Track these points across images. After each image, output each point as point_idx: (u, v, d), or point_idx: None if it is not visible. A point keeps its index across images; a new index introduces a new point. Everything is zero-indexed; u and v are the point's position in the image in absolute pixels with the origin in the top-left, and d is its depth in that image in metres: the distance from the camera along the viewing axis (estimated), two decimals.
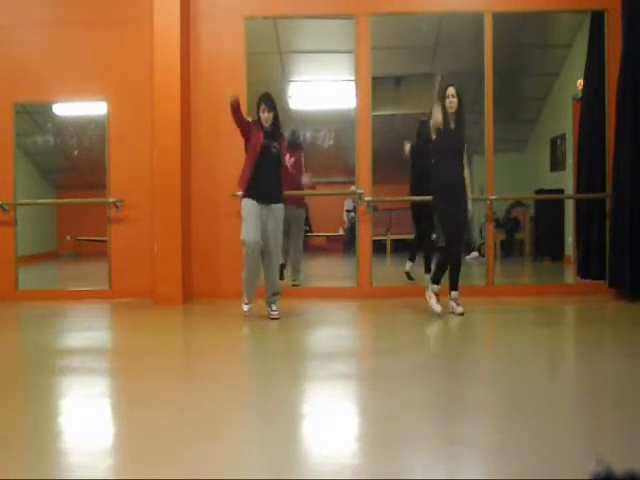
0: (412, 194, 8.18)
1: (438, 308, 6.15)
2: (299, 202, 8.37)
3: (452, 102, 6.11)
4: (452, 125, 6.16)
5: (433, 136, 6.20)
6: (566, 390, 4.01)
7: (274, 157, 6.11)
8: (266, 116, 6.09)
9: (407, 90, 10.47)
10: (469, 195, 6.28)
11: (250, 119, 6.21)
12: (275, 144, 6.12)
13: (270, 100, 6.14)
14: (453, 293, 6.25)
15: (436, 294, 6.18)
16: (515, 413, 3.44)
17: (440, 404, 3.75)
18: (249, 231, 5.98)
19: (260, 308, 6.37)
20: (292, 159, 7.97)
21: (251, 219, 5.98)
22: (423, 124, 8.59)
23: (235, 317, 6.33)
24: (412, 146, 8.50)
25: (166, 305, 7.13)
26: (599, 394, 3.87)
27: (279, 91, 10.68)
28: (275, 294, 6.23)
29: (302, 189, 8.52)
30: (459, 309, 6.19)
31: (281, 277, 8.09)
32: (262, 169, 6.06)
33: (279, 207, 6.15)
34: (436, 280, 6.19)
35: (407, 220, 8.88)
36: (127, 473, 2.75)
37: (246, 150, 6.17)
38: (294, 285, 8.05)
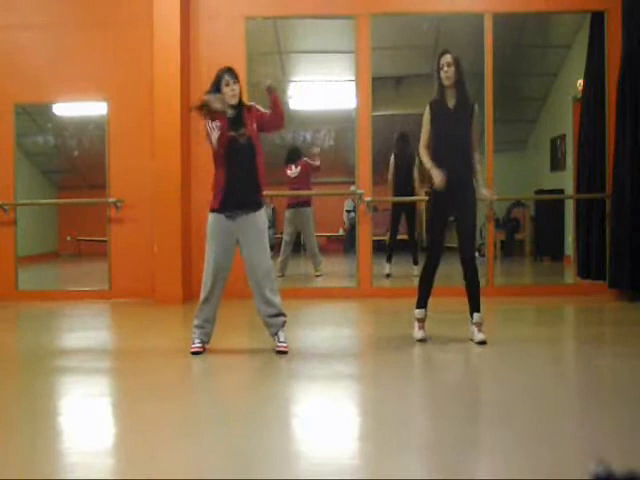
0: (394, 194, 8.65)
1: (418, 334, 5.04)
2: (309, 201, 8.76)
3: (447, 72, 4.76)
4: (451, 103, 4.86)
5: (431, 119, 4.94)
6: (567, 390, 4.01)
7: (245, 149, 4.71)
8: (232, 88, 4.70)
9: (407, 90, 10.46)
10: (481, 183, 5.01)
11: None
12: (242, 130, 4.69)
13: (234, 71, 4.80)
14: (475, 315, 4.95)
15: (418, 320, 5.06)
16: (515, 412, 3.44)
17: (440, 404, 3.75)
18: (212, 252, 4.79)
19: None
20: (298, 168, 8.38)
21: (216, 242, 4.82)
22: (401, 137, 8.79)
23: (235, 317, 6.32)
24: (395, 155, 8.89)
25: (166, 305, 7.13)
26: (600, 394, 3.88)
27: (279, 91, 10.68)
28: (278, 315, 4.70)
29: (310, 189, 8.81)
30: (479, 336, 4.88)
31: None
32: (232, 171, 4.75)
33: (259, 214, 4.76)
34: (417, 303, 5.05)
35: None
36: (127, 473, 2.75)
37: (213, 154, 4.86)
38: (317, 276, 8.66)
